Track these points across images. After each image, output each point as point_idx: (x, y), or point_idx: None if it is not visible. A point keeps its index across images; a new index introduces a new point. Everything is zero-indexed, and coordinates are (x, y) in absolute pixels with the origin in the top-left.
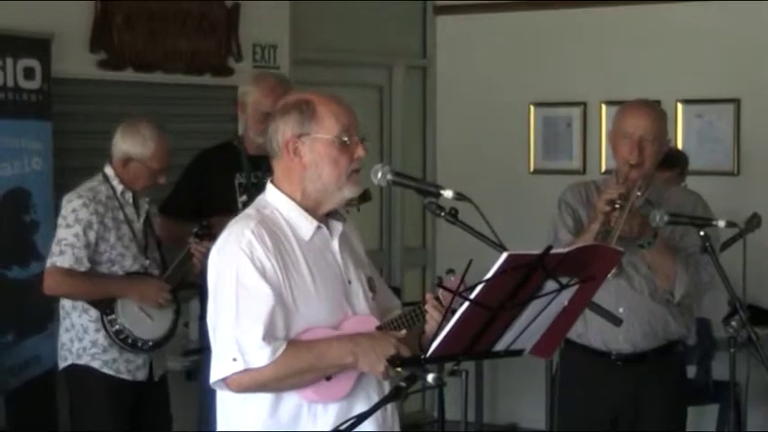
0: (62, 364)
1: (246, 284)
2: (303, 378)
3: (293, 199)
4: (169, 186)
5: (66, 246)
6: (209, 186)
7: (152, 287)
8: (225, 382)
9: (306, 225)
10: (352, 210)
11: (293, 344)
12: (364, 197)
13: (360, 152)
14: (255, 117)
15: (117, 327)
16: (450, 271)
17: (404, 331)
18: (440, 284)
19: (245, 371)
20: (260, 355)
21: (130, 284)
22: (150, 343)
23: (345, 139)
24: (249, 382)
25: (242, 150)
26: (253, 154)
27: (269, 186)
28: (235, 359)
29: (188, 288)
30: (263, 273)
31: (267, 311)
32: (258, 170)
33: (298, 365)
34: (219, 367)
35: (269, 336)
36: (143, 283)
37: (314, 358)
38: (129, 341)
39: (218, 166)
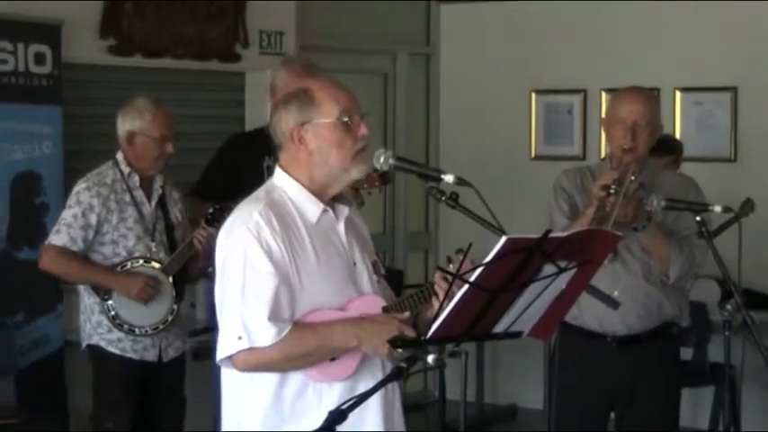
0: (82, 344)
1: (253, 265)
2: (307, 360)
3: (300, 183)
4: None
5: (63, 225)
6: (239, 169)
7: (137, 284)
8: (231, 360)
9: (312, 208)
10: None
11: (298, 326)
12: (385, 180)
13: (363, 130)
14: None
15: (113, 312)
16: (460, 251)
17: (407, 313)
18: (439, 267)
19: (251, 350)
20: (265, 335)
21: (116, 278)
22: (146, 329)
23: (346, 119)
24: (254, 362)
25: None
26: None
27: (277, 170)
28: (240, 337)
29: (191, 281)
30: (269, 254)
31: (272, 292)
32: None
33: (302, 348)
34: (225, 345)
35: (274, 316)
36: (129, 278)
37: (318, 342)
38: (126, 328)
39: (248, 150)
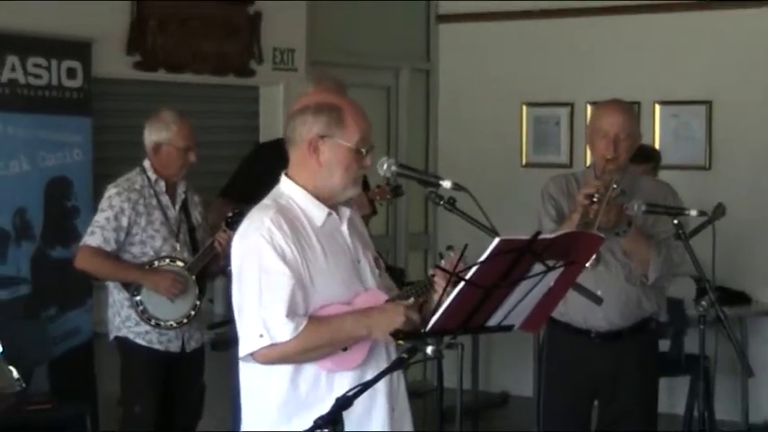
0: (110, 336)
1: (268, 268)
2: (322, 351)
3: (306, 189)
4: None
5: (97, 227)
6: (262, 174)
7: (166, 280)
8: (252, 356)
9: (318, 212)
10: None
11: (313, 320)
12: (397, 192)
13: (368, 161)
14: None
15: (142, 307)
16: (450, 247)
17: (412, 299)
18: (437, 266)
19: (271, 345)
20: (284, 331)
21: (145, 275)
22: (171, 323)
23: (363, 150)
24: (274, 356)
25: None
26: None
27: (283, 178)
28: (261, 335)
29: (211, 278)
30: (282, 256)
31: (288, 291)
32: None
33: (318, 339)
34: (247, 343)
35: (291, 313)
36: (158, 275)
37: (332, 333)
38: (153, 322)
39: (271, 157)
